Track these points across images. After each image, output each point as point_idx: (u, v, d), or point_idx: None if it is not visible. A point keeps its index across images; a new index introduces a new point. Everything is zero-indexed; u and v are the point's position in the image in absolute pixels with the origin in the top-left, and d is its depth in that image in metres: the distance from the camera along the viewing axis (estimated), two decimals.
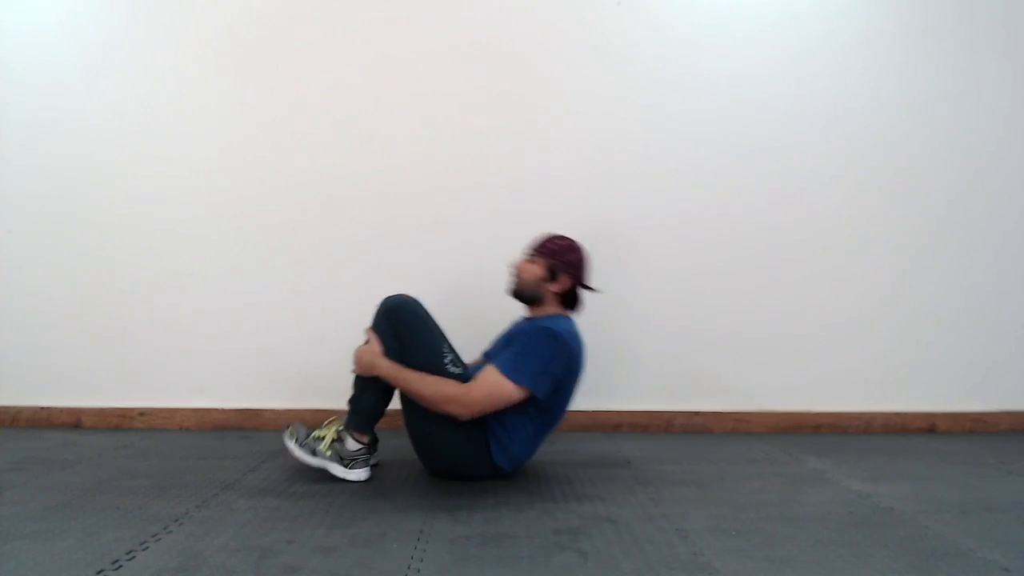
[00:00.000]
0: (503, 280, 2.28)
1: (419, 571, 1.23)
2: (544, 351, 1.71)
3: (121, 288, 2.47)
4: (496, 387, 1.67)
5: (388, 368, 1.72)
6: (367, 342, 1.79)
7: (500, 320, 2.41)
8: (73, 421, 2.46)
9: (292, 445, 1.83)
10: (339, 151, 2.47)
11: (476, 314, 2.46)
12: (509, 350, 1.74)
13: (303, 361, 2.47)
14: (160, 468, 1.92)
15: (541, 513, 1.55)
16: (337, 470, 1.80)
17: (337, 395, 2.45)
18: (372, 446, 1.85)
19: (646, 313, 2.48)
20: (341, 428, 1.83)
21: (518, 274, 1.90)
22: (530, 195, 2.45)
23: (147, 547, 1.33)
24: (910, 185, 2.51)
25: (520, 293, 1.90)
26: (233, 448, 2.17)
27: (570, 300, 1.92)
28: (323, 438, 1.82)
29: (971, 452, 2.20)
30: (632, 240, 2.48)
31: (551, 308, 1.89)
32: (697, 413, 2.48)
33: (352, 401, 1.83)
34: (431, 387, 1.68)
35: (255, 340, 2.47)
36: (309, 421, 2.43)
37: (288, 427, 1.87)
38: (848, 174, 2.50)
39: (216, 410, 2.46)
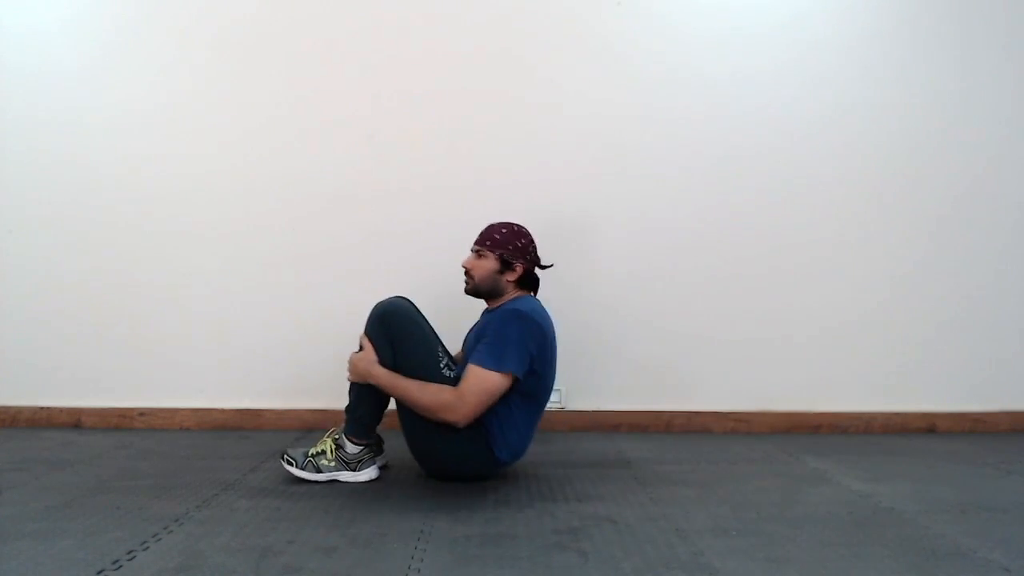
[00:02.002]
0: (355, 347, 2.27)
1: (419, 571, 1.23)
2: (515, 332, 1.69)
3: (121, 288, 2.47)
4: (484, 382, 1.65)
5: (384, 376, 1.71)
6: (361, 348, 1.78)
7: None
8: (73, 421, 2.46)
9: (295, 471, 1.80)
10: (339, 151, 2.47)
11: (476, 313, 2.46)
12: (482, 343, 1.72)
13: (303, 361, 2.47)
14: (160, 468, 1.92)
15: (541, 513, 1.55)
16: (346, 476, 1.80)
17: (337, 395, 2.46)
18: (375, 446, 1.86)
19: (645, 313, 2.48)
20: (338, 436, 1.83)
21: (471, 272, 1.85)
22: (529, 194, 2.45)
23: (147, 547, 1.33)
24: (911, 186, 2.51)
25: (478, 290, 1.86)
26: (233, 448, 2.17)
27: (528, 283, 1.89)
28: (323, 452, 1.81)
29: (971, 452, 2.20)
30: (632, 240, 2.48)
31: (511, 295, 1.86)
32: (697, 413, 2.48)
33: (349, 409, 1.82)
34: (429, 396, 1.67)
35: (255, 340, 2.47)
36: (309, 421, 2.45)
37: (283, 456, 1.82)
38: (849, 175, 2.50)
39: (216, 410, 2.46)
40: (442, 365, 1.73)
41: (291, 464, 1.80)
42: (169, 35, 2.47)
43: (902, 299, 2.51)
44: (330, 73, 2.47)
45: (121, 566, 1.24)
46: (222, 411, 2.46)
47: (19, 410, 2.47)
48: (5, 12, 2.48)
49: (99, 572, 1.21)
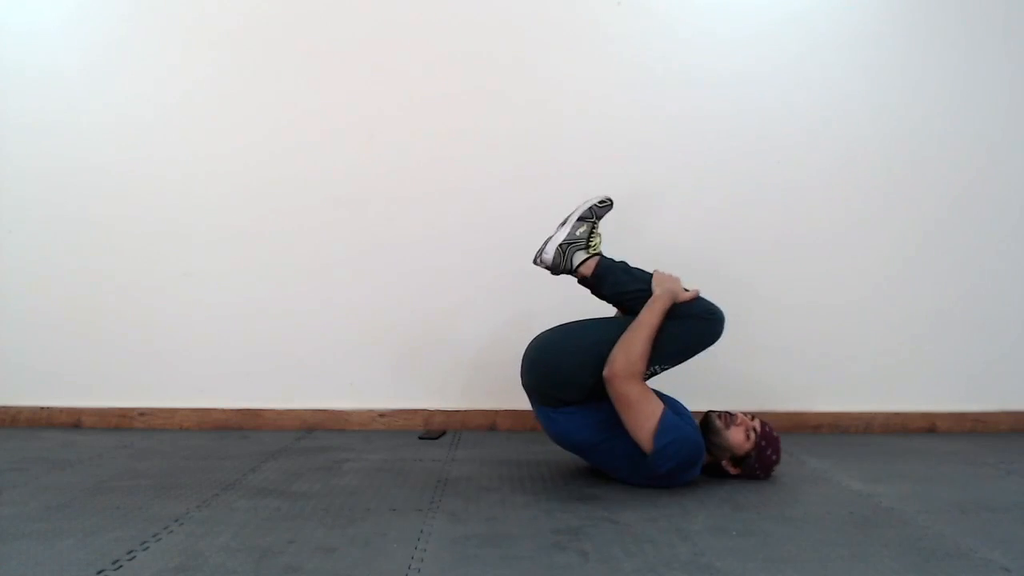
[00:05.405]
0: (504, 281, 2.27)
1: (419, 571, 1.23)
2: (685, 458, 1.68)
3: (121, 288, 2.47)
4: (647, 412, 1.65)
5: (661, 307, 1.72)
6: (685, 289, 1.81)
7: (502, 320, 2.42)
8: (73, 421, 2.46)
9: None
10: (340, 153, 2.47)
11: (475, 314, 2.46)
12: (679, 419, 1.71)
13: (303, 361, 2.46)
14: (160, 468, 1.92)
15: (541, 513, 1.55)
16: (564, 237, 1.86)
17: (337, 395, 2.48)
18: (573, 273, 1.88)
19: None
20: (594, 247, 1.86)
21: (731, 425, 1.80)
22: (530, 196, 2.45)
23: (147, 547, 1.33)
24: (910, 185, 2.51)
25: (712, 432, 1.79)
26: (233, 448, 2.17)
27: (712, 470, 1.84)
28: (587, 246, 1.86)
29: (971, 452, 2.20)
30: (632, 240, 2.47)
31: (711, 454, 1.80)
32: (697, 413, 2.47)
33: (618, 265, 1.86)
34: (642, 345, 1.67)
35: (255, 340, 2.47)
36: (309, 421, 2.45)
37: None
38: (849, 174, 2.50)
39: (216, 410, 2.46)
40: (657, 367, 1.74)
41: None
42: (171, 37, 2.47)
43: (902, 299, 2.51)
44: (331, 75, 2.47)
45: (121, 566, 1.24)
46: (222, 411, 2.46)
47: (19, 410, 2.47)
48: (5, 12, 2.48)
49: (99, 572, 1.21)
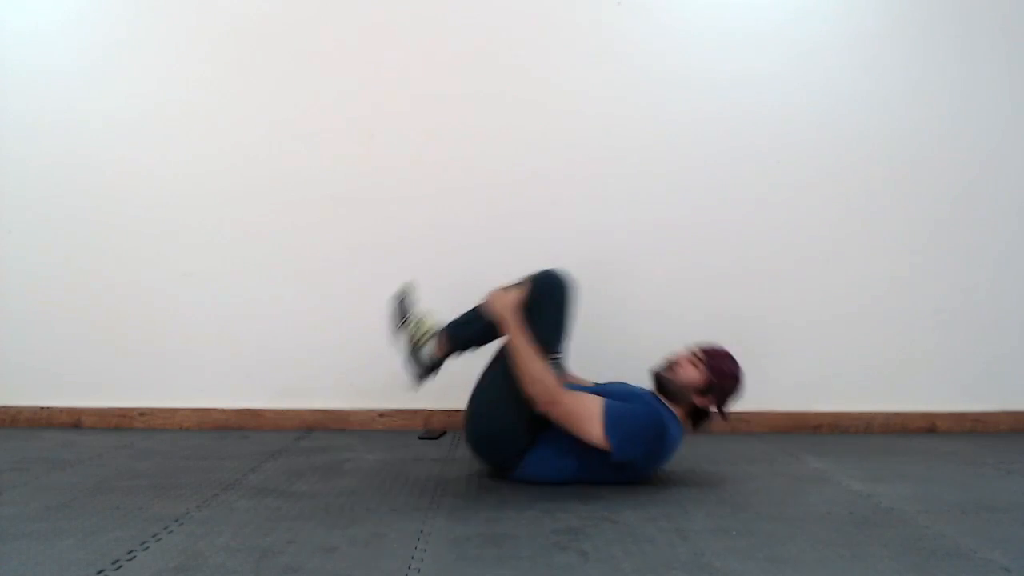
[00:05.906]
0: (505, 280, 2.26)
1: (419, 571, 1.23)
2: (650, 436, 1.68)
3: (121, 288, 2.47)
4: (587, 415, 1.65)
5: (515, 324, 1.71)
6: (507, 289, 1.78)
7: None
8: (73, 421, 2.46)
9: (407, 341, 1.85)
10: (340, 153, 2.47)
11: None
12: (624, 403, 1.70)
13: (303, 361, 2.47)
14: (160, 468, 1.92)
15: (541, 513, 1.55)
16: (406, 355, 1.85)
17: (336, 395, 2.48)
18: (440, 361, 1.86)
19: (645, 313, 2.48)
20: (433, 333, 1.84)
21: (676, 368, 1.80)
22: (530, 196, 2.46)
23: (147, 547, 1.33)
24: (910, 185, 2.51)
25: (666, 385, 1.80)
26: (233, 448, 2.17)
27: (698, 416, 1.84)
28: (422, 339, 1.84)
29: (971, 452, 2.20)
30: (632, 241, 2.48)
31: (677, 409, 1.80)
32: None
33: (455, 324, 1.85)
34: (539, 366, 1.66)
35: (255, 340, 2.47)
36: (309, 421, 2.45)
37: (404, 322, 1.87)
38: (849, 174, 2.50)
39: (216, 410, 2.46)
40: (556, 356, 1.73)
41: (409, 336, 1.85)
42: (170, 36, 2.47)
43: (902, 299, 2.51)
44: (331, 75, 2.47)
45: (121, 566, 1.24)
46: (222, 411, 2.46)
47: (19, 410, 2.47)
48: (5, 12, 2.48)
49: (99, 572, 1.21)
